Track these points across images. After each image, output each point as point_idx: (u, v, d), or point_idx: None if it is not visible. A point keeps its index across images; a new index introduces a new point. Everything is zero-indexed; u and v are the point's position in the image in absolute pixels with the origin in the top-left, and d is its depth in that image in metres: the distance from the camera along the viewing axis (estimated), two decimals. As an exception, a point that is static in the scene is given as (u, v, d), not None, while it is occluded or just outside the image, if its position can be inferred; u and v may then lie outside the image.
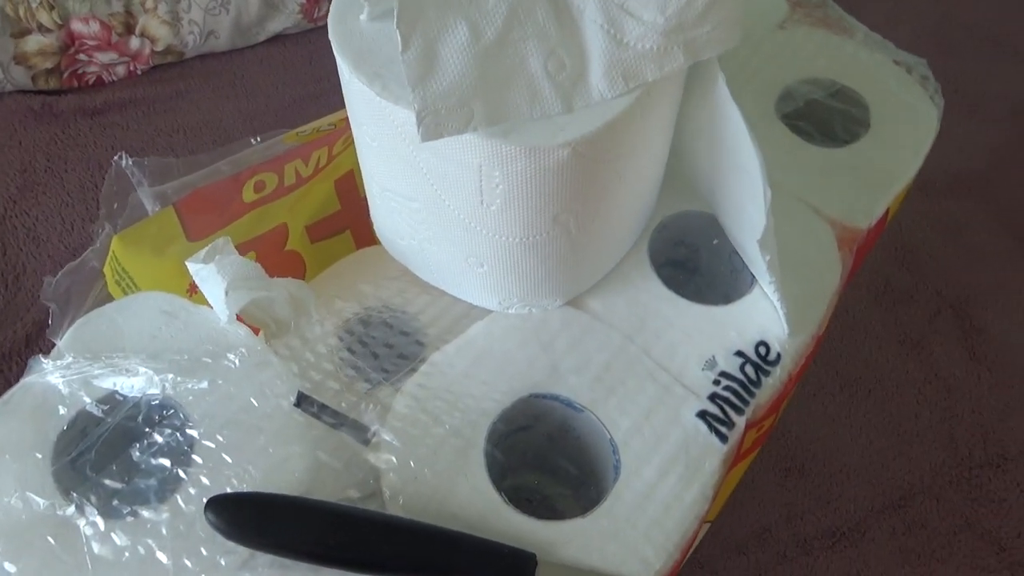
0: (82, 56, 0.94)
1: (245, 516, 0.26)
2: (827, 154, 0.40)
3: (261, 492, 0.27)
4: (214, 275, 0.31)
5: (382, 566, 0.27)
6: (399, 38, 0.23)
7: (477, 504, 0.29)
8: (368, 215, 0.38)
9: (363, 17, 0.27)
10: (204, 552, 0.26)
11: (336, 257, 0.38)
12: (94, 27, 0.93)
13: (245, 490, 0.28)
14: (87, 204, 0.86)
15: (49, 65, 0.93)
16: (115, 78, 0.98)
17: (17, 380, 0.39)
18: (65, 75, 0.95)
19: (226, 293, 0.31)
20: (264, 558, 0.26)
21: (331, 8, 0.28)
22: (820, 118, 0.41)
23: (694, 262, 0.38)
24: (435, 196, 0.28)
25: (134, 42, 0.96)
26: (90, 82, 0.97)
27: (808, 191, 0.38)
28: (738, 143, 0.29)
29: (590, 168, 0.27)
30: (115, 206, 0.40)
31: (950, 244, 0.99)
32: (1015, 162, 1.09)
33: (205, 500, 0.26)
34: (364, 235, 0.39)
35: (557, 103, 0.25)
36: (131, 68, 0.98)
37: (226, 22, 0.98)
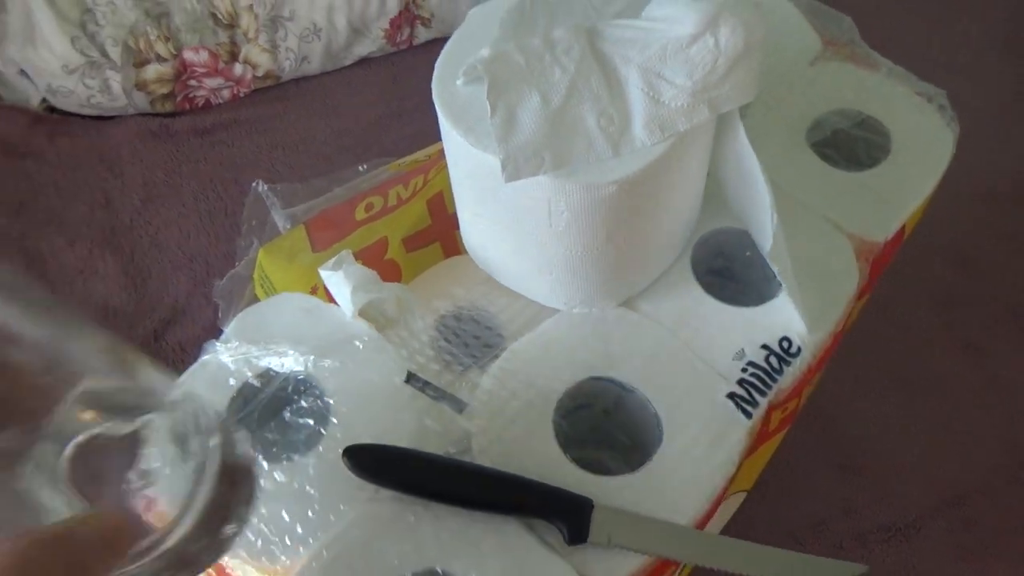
0: (193, 82, 1.08)
1: (373, 462, 0.36)
2: (850, 177, 0.48)
3: (385, 444, 0.37)
4: (342, 280, 0.41)
5: (472, 502, 0.36)
6: (489, 107, 0.33)
7: (547, 461, 0.38)
8: (453, 228, 0.47)
9: (459, 83, 0.37)
10: (342, 488, 0.36)
11: (427, 264, 0.48)
12: (203, 56, 1.06)
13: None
14: (200, 214, 0.99)
15: (165, 90, 1.07)
16: (221, 101, 1.11)
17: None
18: (178, 99, 1.09)
19: (351, 294, 0.41)
20: (387, 493, 0.36)
21: (435, 74, 0.38)
22: (845, 145, 0.49)
23: (731, 271, 0.47)
24: (514, 220, 0.37)
25: (238, 68, 1.09)
26: (200, 105, 1.11)
27: (831, 209, 0.46)
28: (754, 179, 0.37)
29: (634, 200, 0.35)
30: (254, 223, 0.50)
31: (1013, 251, 1.03)
32: (1078, 170, 1.10)
33: (342, 450, 0.36)
34: (450, 246, 0.48)
35: (608, 150, 0.34)
36: (235, 92, 1.11)
37: (318, 48, 1.10)
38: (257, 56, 1.08)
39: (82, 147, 1.02)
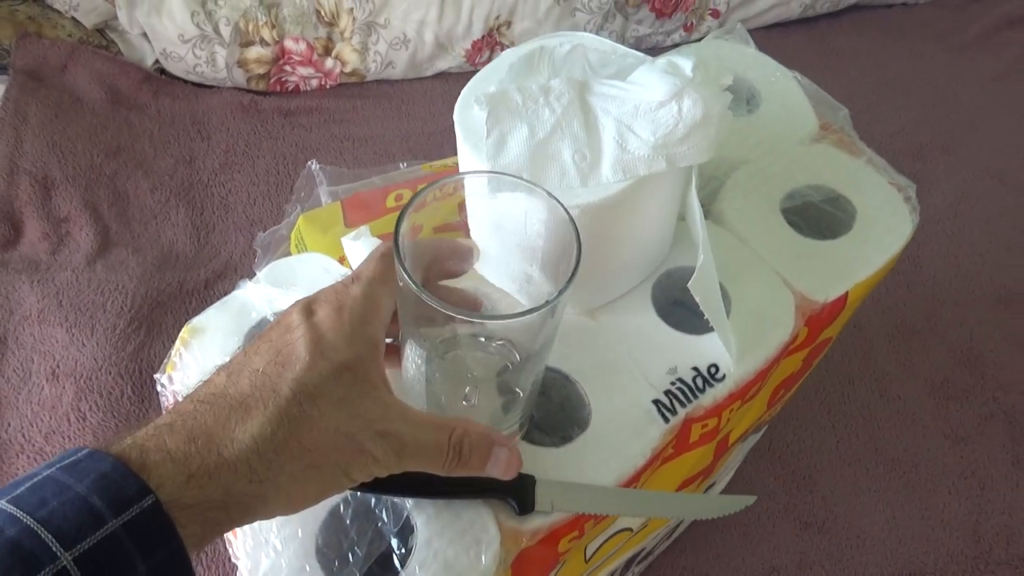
0: (287, 68, 1.21)
1: None
2: (808, 243, 0.55)
3: None
4: (359, 248, 0.51)
5: (434, 492, 0.42)
6: (485, 130, 0.42)
7: (490, 424, 0.47)
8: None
9: (477, 110, 0.46)
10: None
11: None
12: (301, 46, 1.19)
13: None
14: (269, 185, 1.11)
15: (261, 71, 1.20)
16: (309, 89, 1.24)
17: (195, 314, 0.58)
18: (272, 81, 1.21)
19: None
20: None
21: (459, 101, 0.47)
22: (813, 217, 0.57)
23: (692, 303, 0.55)
24: (499, 227, 0.47)
25: (329, 62, 1.21)
26: (289, 89, 1.23)
27: (783, 266, 0.54)
28: (695, 222, 0.46)
29: (595, 224, 0.44)
30: (303, 195, 0.61)
31: (1021, 357, 1.07)
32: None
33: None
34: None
35: (577, 180, 0.43)
36: (322, 83, 1.24)
37: (403, 56, 1.22)
38: (348, 54, 1.20)
39: (180, 109, 1.15)
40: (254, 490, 0.32)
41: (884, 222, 0.57)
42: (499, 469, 0.39)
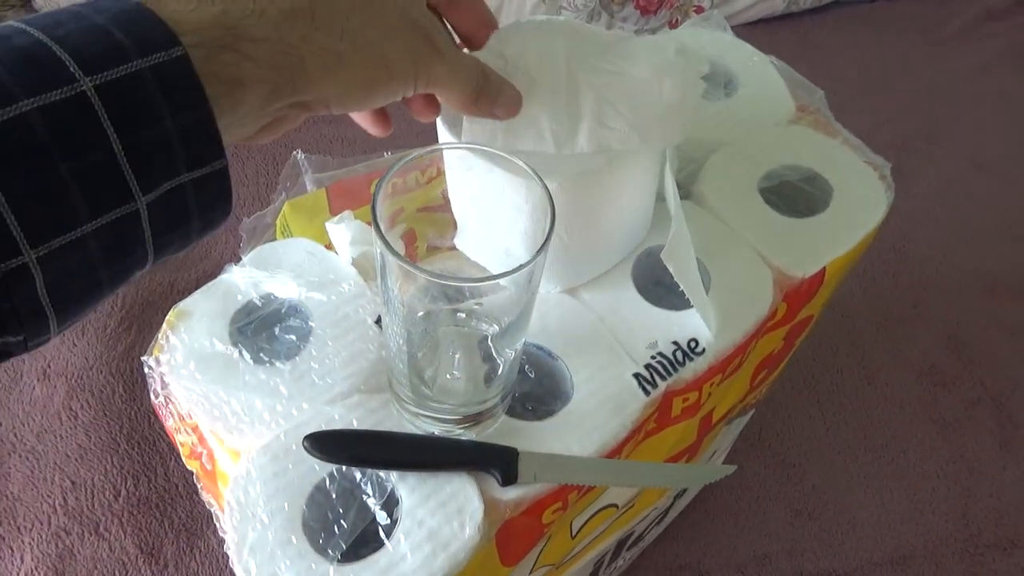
0: (275, 70, 1.20)
1: (323, 442, 0.44)
2: (786, 221, 0.56)
3: (340, 429, 0.45)
4: (343, 232, 0.51)
5: (421, 466, 0.45)
6: (464, 106, 0.43)
7: (474, 400, 0.47)
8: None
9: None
10: (307, 391, 0.46)
11: (440, 227, 0.58)
12: (288, 48, 1.18)
13: (337, 366, 0.48)
14: (259, 186, 1.11)
15: (249, 74, 1.20)
16: (297, 90, 1.24)
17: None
18: (259, 83, 1.21)
19: (349, 245, 0.51)
20: (341, 391, 0.46)
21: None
22: (789, 195, 0.58)
23: (670, 281, 0.55)
24: (477, 203, 0.47)
25: (316, 63, 1.21)
26: (277, 91, 1.23)
27: (762, 243, 0.55)
28: (669, 195, 0.46)
29: (571, 198, 0.45)
30: (288, 183, 0.62)
31: (1006, 342, 1.08)
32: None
33: (318, 356, 0.46)
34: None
35: (552, 146, 0.44)
36: (310, 84, 1.24)
37: (391, 56, 1.22)
38: (335, 55, 1.20)
39: (168, 111, 1.16)
40: (321, 41, 0.30)
41: (860, 200, 0.58)
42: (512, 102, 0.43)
